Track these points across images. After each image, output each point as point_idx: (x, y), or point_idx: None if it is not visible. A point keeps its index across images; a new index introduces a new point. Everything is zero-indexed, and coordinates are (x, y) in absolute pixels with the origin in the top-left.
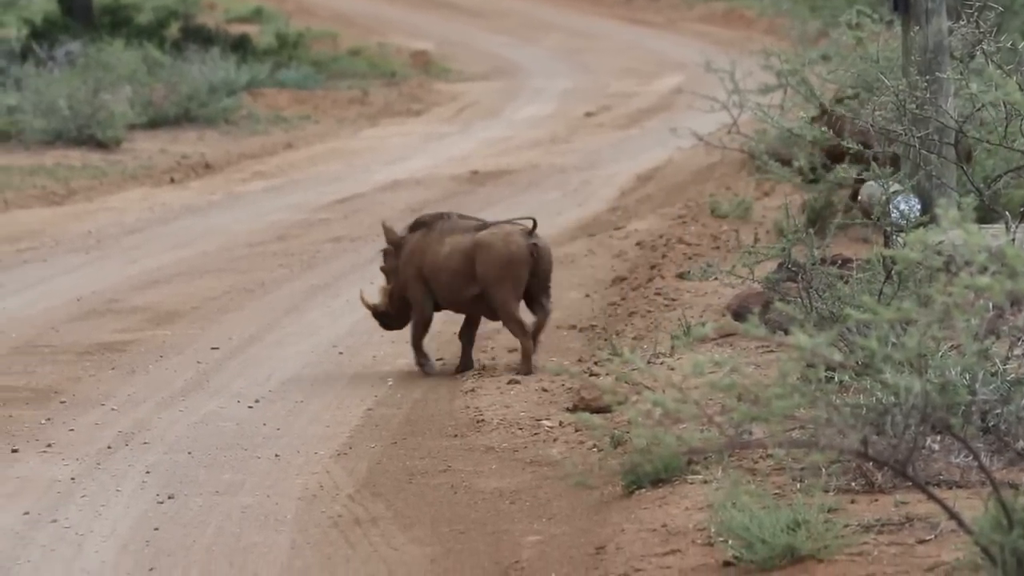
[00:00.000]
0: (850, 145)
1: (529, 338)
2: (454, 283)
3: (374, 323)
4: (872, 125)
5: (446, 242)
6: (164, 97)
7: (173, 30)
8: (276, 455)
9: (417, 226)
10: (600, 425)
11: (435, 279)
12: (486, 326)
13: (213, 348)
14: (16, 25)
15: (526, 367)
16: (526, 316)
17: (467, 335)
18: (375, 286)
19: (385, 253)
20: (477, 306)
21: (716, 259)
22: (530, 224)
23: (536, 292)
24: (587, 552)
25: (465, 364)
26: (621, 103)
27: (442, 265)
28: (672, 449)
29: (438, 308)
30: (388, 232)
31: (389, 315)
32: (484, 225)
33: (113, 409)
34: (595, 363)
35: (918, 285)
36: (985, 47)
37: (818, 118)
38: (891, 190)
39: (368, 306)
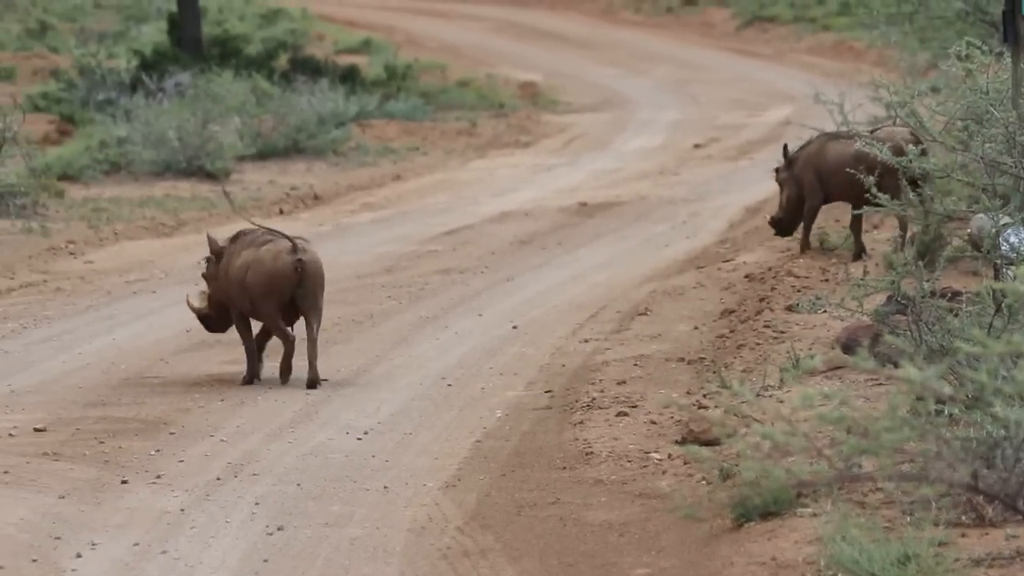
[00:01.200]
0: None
1: (292, 344)
2: (241, 294)
3: (483, 355)
4: (982, 158)
5: (241, 255)
6: (273, 128)
7: (282, 61)
8: (385, 487)
9: (233, 238)
10: (709, 458)
11: (232, 290)
12: (593, 358)
13: (322, 380)
14: (126, 56)
15: (284, 366)
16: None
17: (260, 342)
18: (199, 288)
19: (208, 261)
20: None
21: (825, 292)
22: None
23: (304, 307)
24: None
25: (252, 372)
26: (730, 135)
27: (234, 277)
28: (781, 482)
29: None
30: (211, 242)
31: (210, 318)
32: (267, 241)
33: (222, 440)
34: (704, 396)
35: None
36: None
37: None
38: (1001, 223)
39: (192, 309)
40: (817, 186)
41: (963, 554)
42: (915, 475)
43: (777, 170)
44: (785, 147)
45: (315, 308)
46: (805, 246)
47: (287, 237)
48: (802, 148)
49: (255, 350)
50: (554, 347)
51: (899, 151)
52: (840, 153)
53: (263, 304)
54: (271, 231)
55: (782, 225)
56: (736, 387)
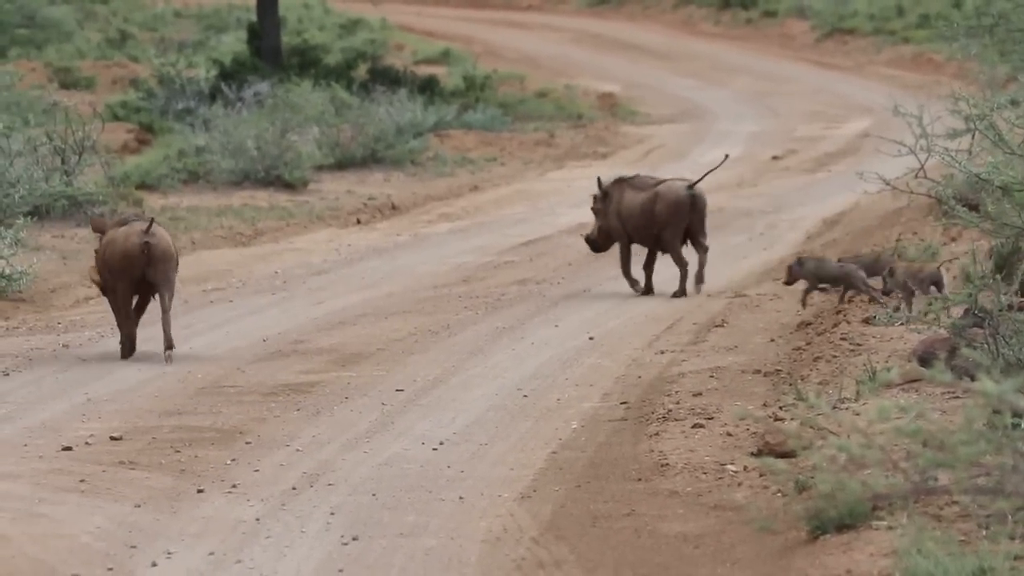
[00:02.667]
0: None
1: (125, 316)
2: (103, 269)
3: (559, 366)
4: None
5: (111, 237)
6: (351, 138)
7: (361, 71)
8: (460, 497)
9: (119, 223)
10: (785, 470)
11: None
12: (669, 370)
13: (398, 390)
14: (205, 66)
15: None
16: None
17: (136, 315)
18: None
19: (98, 238)
20: (143, 293)
21: (902, 304)
22: None
23: (157, 285)
24: None
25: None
26: (808, 147)
27: (103, 257)
28: (857, 495)
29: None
30: (95, 221)
31: (104, 289)
32: (125, 223)
33: (298, 450)
34: (780, 408)
35: None
36: None
37: None
38: None
39: (93, 281)
40: (621, 229)
41: None
42: (991, 488)
43: (594, 197)
44: (599, 180)
45: (166, 283)
46: (626, 276)
47: (143, 220)
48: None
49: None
50: (630, 358)
51: (680, 204)
52: (632, 200)
53: (116, 281)
54: (137, 215)
55: (594, 246)
56: (812, 399)
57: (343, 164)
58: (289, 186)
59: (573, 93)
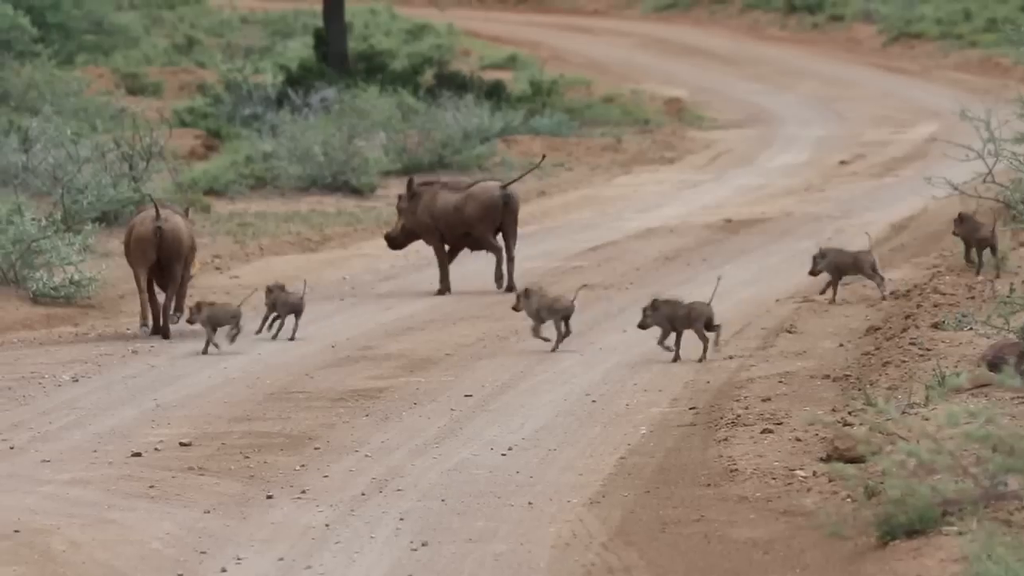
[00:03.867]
0: None
1: (146, 297)
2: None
3: (628, 371)
4: None
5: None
6: (418, 144)
7: (428, 77)
8: (529, 503)
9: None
10: (854, 475)
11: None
12: (738, 375)
13: (466, 395)
14: (272, 72)
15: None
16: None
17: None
18: None
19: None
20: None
21: (971, 309)
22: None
23: (167, 269)
24: None
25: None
26: (875, 151)
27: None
28: (926, 500)
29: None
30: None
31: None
32: (143, 210)
33: (367, 456)
34: (849, 413)
35: None
36: None
37: None
38: None
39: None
40: (433, 229)
41: None
42: None
43: (400, 197)
44: (410, 180)
45: (171, 275)
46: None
47: (157, 207)
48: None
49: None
50: (699, 364)
51: (493, 205)
52: (446, 202)
53: (132, 264)
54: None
55: (393, 243)
56: (881, 404)
57: (410, 169)
58: (356, 191)
59: (640, 98)
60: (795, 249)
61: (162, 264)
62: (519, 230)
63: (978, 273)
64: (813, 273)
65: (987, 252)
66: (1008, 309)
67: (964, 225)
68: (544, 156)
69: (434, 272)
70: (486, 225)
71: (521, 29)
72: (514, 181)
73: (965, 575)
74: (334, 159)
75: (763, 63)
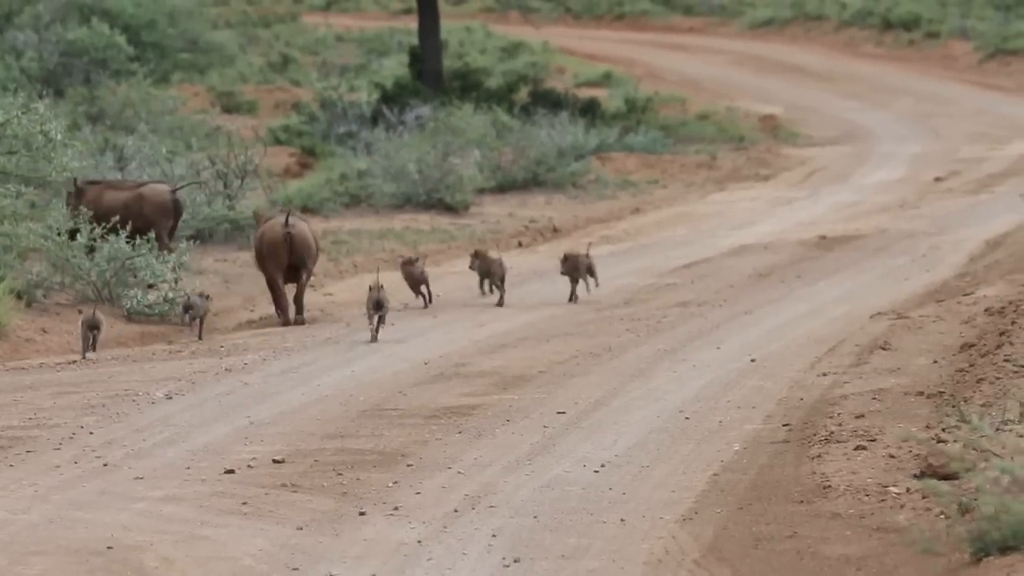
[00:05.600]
0: None
1: (283, 295)
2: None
3: (721, 388)
4: None
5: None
6: (512, 161)
7: (522, 94)
8: (622, 520)
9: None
10: (948, 492)
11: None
12: (831, 392)
13: (559, 412)
14: (367, 89)
15: None
16: None
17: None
18: None
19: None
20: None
21: None
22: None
23: (296, 270)
24: None
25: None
26: (971, 168)
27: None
28: (1020, 516)
29: None
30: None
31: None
32: (271, 217)
33: (460, 472)
34: (943, 430)
35: None
36: None
37: None
38: None
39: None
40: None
41: None
42: None
43: (68, 194)
44: (75, 180)
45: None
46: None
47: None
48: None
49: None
50: (792, 380)
51: (163, 204)
52: (113, 199)
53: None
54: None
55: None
56: (975, 421)
57: (504, 187)
58: (451, 209)
59: (735, 115)
60: (890, 266)
61: (293, 265)
62: None
63: None
64: None
65: None
66: None
67: None
68: (213, 161)
69: (527, 288)
70: (160, 226)
71: (616, 47)
72: (183, 186)
73: None
74: (428, 177)
75: (858, 80)
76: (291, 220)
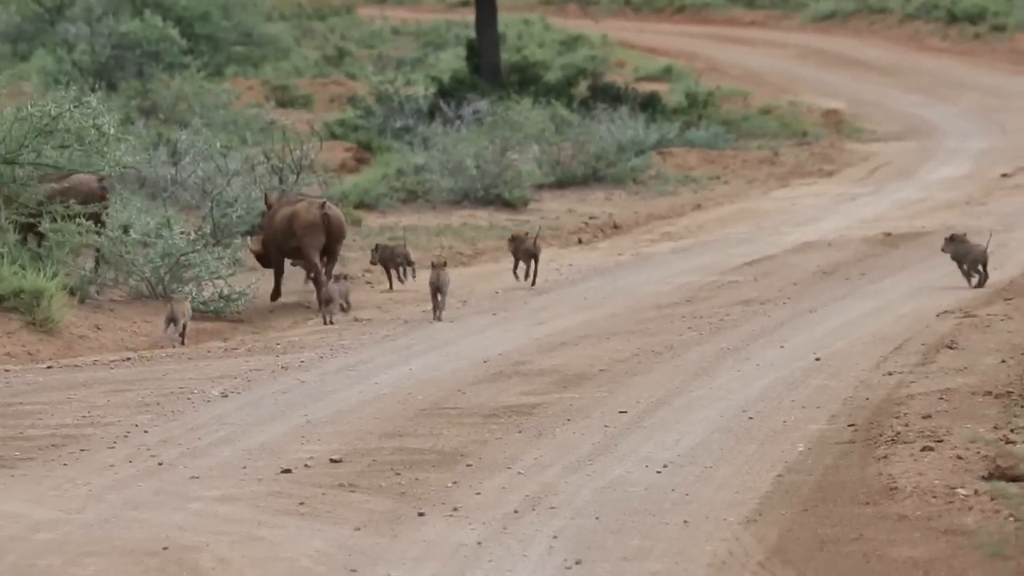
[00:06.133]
0: None
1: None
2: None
3: (785, 388)
4: None
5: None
6: (572, 156)
7: (581, 88)
8: (685, 521)
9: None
10: (1016, 494)
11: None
12: (897, 392)
13: (621, 412)
14: (424, 84)
15: None
16: None
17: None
18: None
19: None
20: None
21: None
22: None
23: (330, 250)
24: None
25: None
26: None
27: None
28: None
29: None
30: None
31: (262, 259)
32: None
33: (520, 473)
34: (1011, 430)
35: None
36: None
37: None
38: None
39: (252, 251)
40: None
41: None
42: None
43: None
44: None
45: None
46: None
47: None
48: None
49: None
50: (857, 380)
51: (91, 194)
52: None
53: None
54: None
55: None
56: None
57: (563, 183)
58: (509, 205)
59: (797, 110)
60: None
61: (328, 246)
62: None
63: None
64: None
65: None
66: None
67: None
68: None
69: (587, 286)
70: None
71: (677, 40)
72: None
73: None
74: (486, 172)
75: (923, 74)
76: (322, 202)
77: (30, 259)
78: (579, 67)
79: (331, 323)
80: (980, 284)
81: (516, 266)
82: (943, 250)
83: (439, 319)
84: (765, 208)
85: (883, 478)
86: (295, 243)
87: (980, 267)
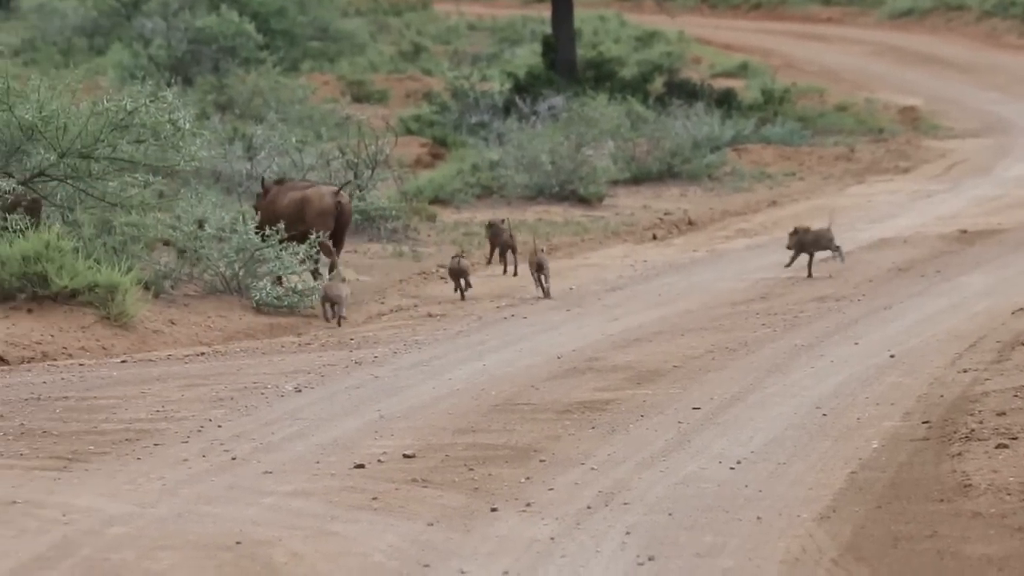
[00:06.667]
0: None
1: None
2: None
3: (859, 384)
4: None
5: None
6: (647, 152)
7: (657, 84)
8: (758, 517)
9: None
10: None
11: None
12: (972, 389)
13: (694, 408)
14: (499, 79)
15: None
16: None
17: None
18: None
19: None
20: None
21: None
22: None
23: (338, 236)
24: None
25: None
26: None
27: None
28: None
29: None
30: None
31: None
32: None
33: (593, 468)
34: None
35: None
36: None
37: None
38: None
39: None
40: None
41: None
42: None
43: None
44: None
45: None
46: None
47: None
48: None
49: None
50: (932, 377)
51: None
52: None
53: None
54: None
55: None
56: None
57: (639, 179)
58: (584, 201)
59: (874, 107)
60: None
61: (336, 234)
62: None
63: None
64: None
65: None
66: None
67: None
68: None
69: (662, 282)
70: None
71: (753, 36)
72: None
73: None
74: (562, 168)
75: (1001, 71)
76: (341, 192)
77: (104, 253)
78: (655, 63)
79: (340, 321)
80: (842, 259)
81: (491, 254)
82: (788, 247)
83: (548, 296)
84: (841, 204)
85: (957, 475)
86: (302, 228)
87: (834, 247)
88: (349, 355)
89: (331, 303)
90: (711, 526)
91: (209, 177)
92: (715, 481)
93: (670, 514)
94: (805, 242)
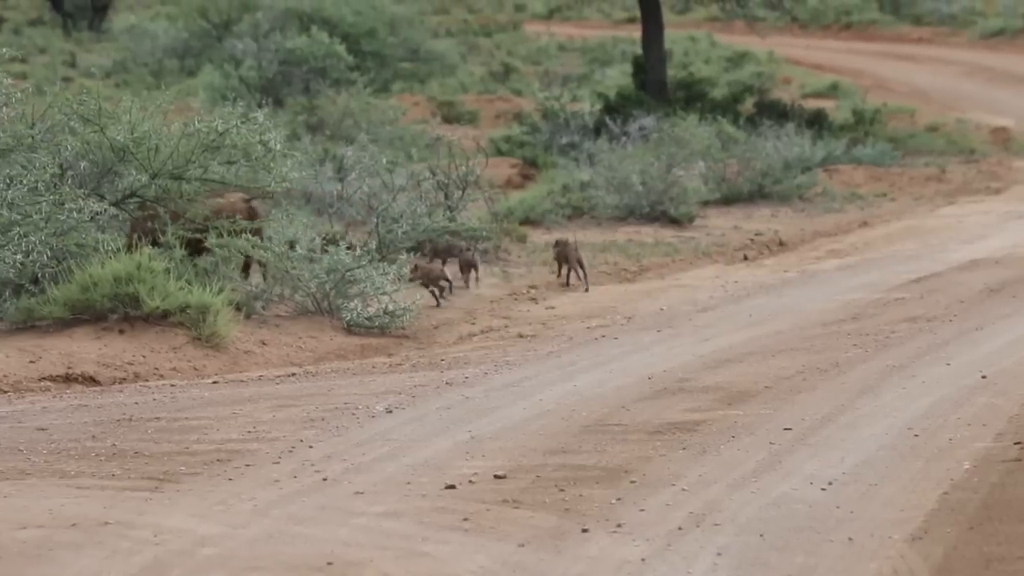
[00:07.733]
0: None
1: None
2: None
3: (951, 405)
4: None
5: None
6: (737, 173)
7: (748, 105)
8: (849, 538)
9: None
10: None
11: None
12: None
13: (786, 429)
14: (590, 100)
15: None
16: None
17: None
18: None
19: None
20: None
21: None
22: None
23: None
24: None
25: None
26: None
27: None
28: None
29: None
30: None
31: None
32: None
33: (684, 489)
34: None
35: None
36: None
37: None
38: None
39: None
40: None
41: None
42: None
43: None
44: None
45: None
46: None
47: None
48: None
49: None
50: None
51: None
52: None
53: None
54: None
55: None
56: None
57: (729, 199)
58: (674, 221)
59: (965, 127)
60: None
61: None
62: None
63: None
64: None
65: None
66: None
67: None
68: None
69: (752, 303)
70: None
71: (843, 57)
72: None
73: None
74: (652, 188)
75: None
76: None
77: (196, 274)
78: (745, 84)
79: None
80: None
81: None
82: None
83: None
84: (932, 225)
85: None
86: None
87: (577, 264)
88: (440, 376)
89: (434, 282)
90: (802, 547)
91: (300, 198)
92: (806, 502)
93: (761, 535)
94: (560, 255)
